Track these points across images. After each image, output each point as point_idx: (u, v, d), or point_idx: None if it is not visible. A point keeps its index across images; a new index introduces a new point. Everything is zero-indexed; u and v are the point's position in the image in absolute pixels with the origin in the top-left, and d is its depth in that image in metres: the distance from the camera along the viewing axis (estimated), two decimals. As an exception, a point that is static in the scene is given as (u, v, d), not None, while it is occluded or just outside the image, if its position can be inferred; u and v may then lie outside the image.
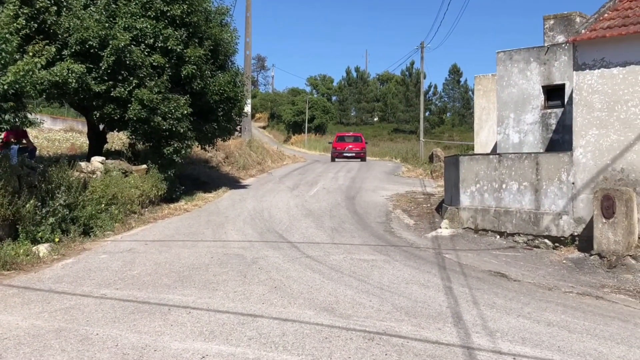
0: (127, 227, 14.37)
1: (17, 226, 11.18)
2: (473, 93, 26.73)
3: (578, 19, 15.93)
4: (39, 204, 11.76)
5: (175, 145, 18.41)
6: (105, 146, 21.80)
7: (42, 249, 10.91)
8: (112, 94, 16.88)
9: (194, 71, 18.30)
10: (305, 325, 6.68)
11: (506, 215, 13.54)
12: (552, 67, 15.84)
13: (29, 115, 12.88)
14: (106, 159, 17.61)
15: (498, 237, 13.65)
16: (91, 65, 16.53)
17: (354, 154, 37.83)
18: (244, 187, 25.03)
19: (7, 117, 11.87)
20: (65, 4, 16.26)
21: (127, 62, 16.63)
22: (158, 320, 6.91)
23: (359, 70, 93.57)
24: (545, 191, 12.89)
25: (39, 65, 11.97)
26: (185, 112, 18.03)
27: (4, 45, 11.32)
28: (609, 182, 11.67)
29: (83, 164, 15.75)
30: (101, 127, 20.39)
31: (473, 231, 14.19)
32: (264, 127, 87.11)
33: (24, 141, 14.98)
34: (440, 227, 14.78)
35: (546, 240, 12.72)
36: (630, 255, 10.82)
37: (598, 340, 6.49)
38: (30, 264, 10.11)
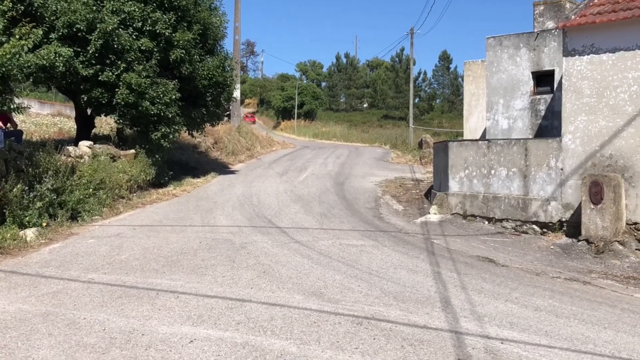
0: (115, 212, 14.30)
1: (4, 210, 11.09)
2: (463, 80, 26.78)
3: (568, 5, 15.93)
4: (26, 188, 11.66)
5: (164, 130, 18.30)
6: (93, 131, 21.64)
7: (30, 233, 10.83)
8: (99, 78, 16.75)
9: (182, 55, 18.16)
10: (293, 310, 6.67)
11: (495, 201, 13.57)
12: (541, 53, 15.84)
13: (15, 99, 12.73)
14: (94, 143, 17.49)
15: (486, 222, 13.69)
16: (79, 49, 16.39)
17: (252, 121, 64.55)
18: (233, 172, 24.97)
19: (-7, 100, 11.74)
20: (52, -14, 16.07)
21: (115, 46, 16.49)
22: (146, 305, 6.88)
23: (348, 56, 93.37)
24: (533, 177, 12.92)
25: (25, 48, 11.81)
26: (174, 96, 17.91)
27: (-11, 28, 11.18)
28: (598, 168, 11.72)
29: (71, 148, 15.62)
30: (89, 111, 20.22)
31: (462, 217, 14.22)
32: (253, 113, 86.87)
33: (9, 125, 14.82)
34: (429, 213, 14.81)
35: (534, 226, 12.78)
36: (618, 241, 10.89)
37: (585, 325, 6.53)
38: (17, 248, 10.02)
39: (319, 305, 6.88)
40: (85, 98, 17.62)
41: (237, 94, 32.27)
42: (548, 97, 15.79)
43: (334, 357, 5.30)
